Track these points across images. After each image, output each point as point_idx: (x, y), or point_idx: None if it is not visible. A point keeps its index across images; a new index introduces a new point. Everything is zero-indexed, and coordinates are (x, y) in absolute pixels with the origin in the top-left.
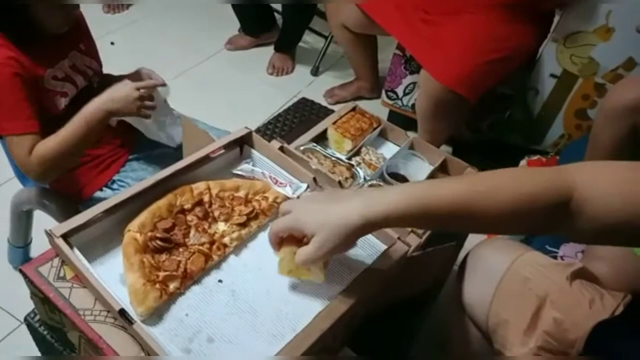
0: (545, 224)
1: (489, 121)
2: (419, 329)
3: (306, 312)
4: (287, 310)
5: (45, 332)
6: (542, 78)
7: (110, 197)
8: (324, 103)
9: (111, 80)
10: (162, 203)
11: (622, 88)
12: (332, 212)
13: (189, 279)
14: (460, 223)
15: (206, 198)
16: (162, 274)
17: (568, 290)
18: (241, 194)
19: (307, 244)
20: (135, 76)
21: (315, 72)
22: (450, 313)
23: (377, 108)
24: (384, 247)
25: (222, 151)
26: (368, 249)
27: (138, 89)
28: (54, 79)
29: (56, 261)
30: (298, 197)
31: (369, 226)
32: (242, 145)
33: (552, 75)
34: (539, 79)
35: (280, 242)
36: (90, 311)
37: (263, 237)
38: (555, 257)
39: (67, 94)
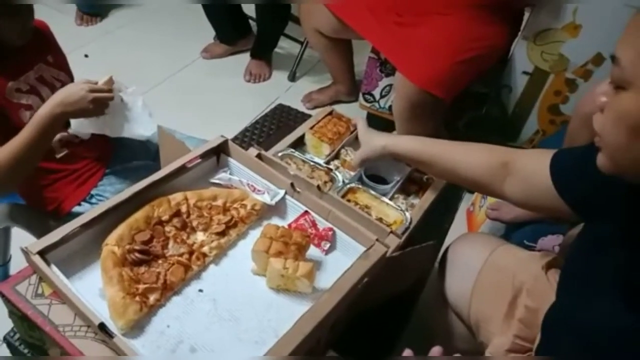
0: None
1: (465, 120)
2: (404, 328)
3: (289, 317)
4: (270, 317)
5: (26, 351)
6: (515, 75)
7: (87, 212)
8: (302, 108)
9: None
10: (139, 215)
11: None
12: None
13: (169, 290)
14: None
15: (184, 208)
16: (141, 286)
17: (543, 279)
18: (219, 202)
19: (296, 255)
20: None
21: (292, 78)
22: (434, 309)
23: (355, 111)
24: (363, 248)
25: (199, 160)
26: (348, 251)
27: (92, 90)
28: (18, 92)
29: (34, 278)
30: (276, 204)
31: (386, 152)
32: (218, 154)
33: (525, 73)
34: (511, 76)
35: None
36: (70, 327)
37: (243, 245)
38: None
39: (32, 107)
